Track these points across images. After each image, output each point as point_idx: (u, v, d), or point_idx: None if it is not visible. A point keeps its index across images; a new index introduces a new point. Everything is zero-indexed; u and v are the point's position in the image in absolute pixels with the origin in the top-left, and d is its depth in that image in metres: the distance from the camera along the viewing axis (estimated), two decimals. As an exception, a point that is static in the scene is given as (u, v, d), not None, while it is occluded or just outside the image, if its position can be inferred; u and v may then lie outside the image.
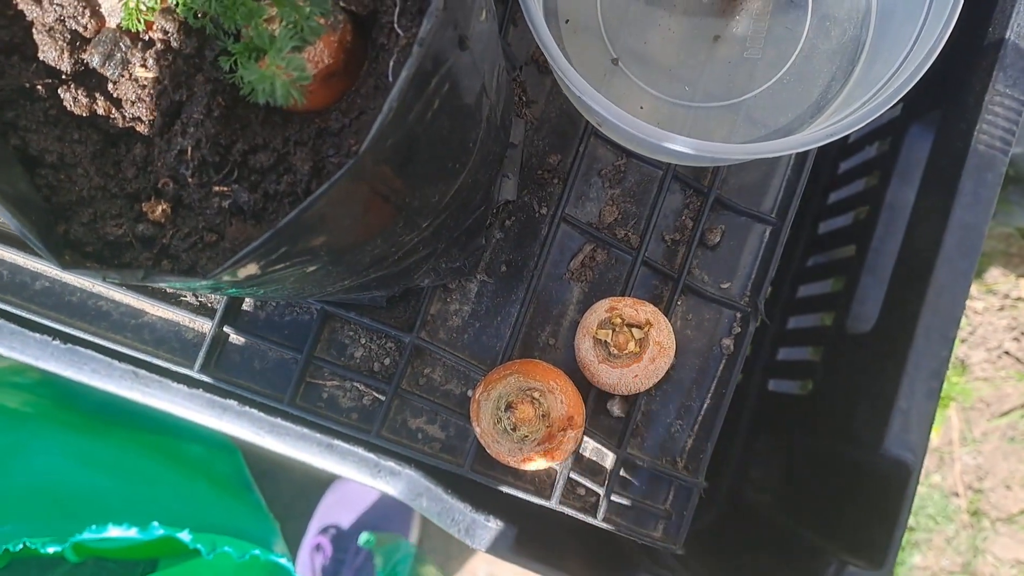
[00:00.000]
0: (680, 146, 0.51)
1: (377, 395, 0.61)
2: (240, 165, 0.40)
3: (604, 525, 0.60)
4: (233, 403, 0.58)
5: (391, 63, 0.40)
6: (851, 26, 0.61)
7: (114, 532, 0.62)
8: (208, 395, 0.58)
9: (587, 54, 0.60)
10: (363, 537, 1.23)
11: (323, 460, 0.59)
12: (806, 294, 0.94)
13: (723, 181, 0.62)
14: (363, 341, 0.61)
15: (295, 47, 0.36)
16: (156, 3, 0.39)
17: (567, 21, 0.61)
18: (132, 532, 0.62)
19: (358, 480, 0.61)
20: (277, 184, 0.40)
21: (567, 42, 0.61)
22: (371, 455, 0.59)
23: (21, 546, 0.58)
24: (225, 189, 0.38)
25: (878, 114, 0.51)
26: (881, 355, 0.69)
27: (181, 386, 0.58)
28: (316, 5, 0.36)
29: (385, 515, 1.33)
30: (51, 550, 0.60)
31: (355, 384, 0.61)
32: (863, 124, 0.51)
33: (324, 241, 0.39)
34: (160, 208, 0.38)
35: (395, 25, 0.41)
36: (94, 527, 0.62)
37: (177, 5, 0.38)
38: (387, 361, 0.61)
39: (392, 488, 0.61)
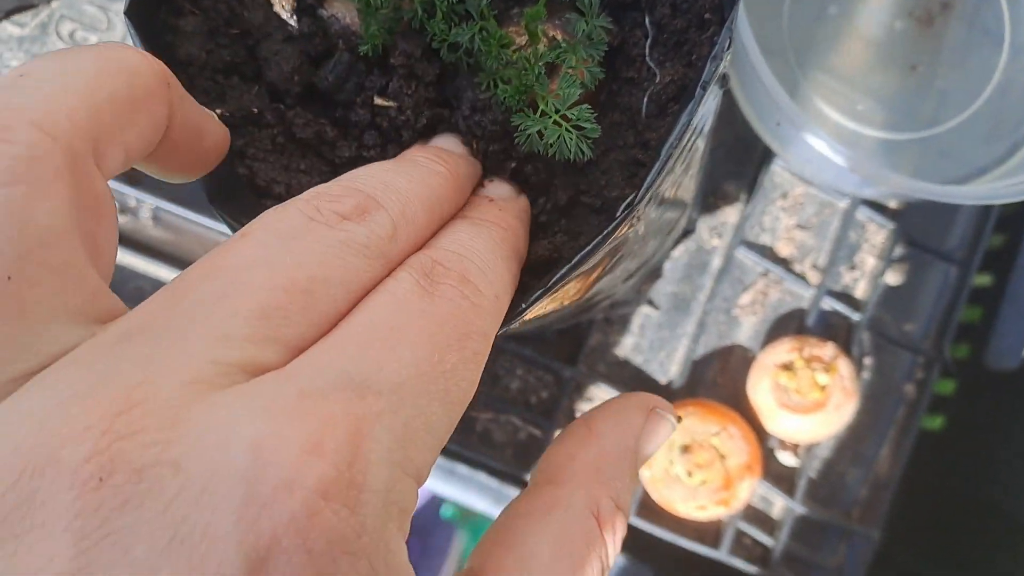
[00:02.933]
0: (887, 185, 0.47)
1: (533, 430, 0.58)
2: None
3: (771, 577, 0.57)
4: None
5: (644, 99, 0.37)
6: (1052, 56, 0.57)
7: None
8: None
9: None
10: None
11: (442, 486, 0.56)
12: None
13: (907, 215, 0.59)
14: (519, 372, 0.58)
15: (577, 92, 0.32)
16: (397, 25, 0.36)
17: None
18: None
19: (479, 510, 0.58)
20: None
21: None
22: (493, 481, 0.56)
23: None
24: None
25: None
26: (1032, 396, 0.65)
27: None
28: (593, 49, 0.33)
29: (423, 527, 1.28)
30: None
31: (510, 418, 0.58)
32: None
33: (576, 287, 0.36)
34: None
35: (647, 58, 0.37)
36: None
37: (432, 39, 0.35)
38: (544, 394, 0.58)
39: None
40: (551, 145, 0.32)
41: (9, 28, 0.57)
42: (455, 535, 1.12)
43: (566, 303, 0.38)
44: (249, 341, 0.18)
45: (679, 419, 0.29)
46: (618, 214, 0.32)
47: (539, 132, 0.32)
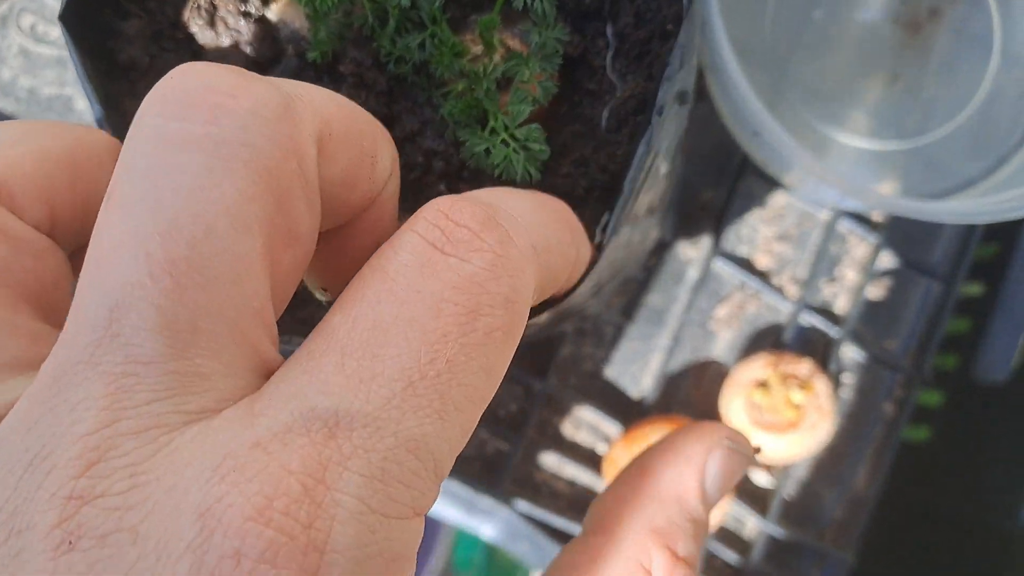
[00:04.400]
0: (875, 204, 0.46)
1: (501, 444, 0.56)
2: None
3: (742, 597, 0.55)
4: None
5: (604, 113, 0.35)
6: (1043, 67, 0.56)
7: None
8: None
9: (751, 83, 0.55)
10: None
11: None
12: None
13: (890, 228, 0.57)
14: (488, 383, 0.56)
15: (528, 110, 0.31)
16: (348, 31, 0.34)
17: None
18: None
19: (449, 518, 0.56)
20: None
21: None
22: (464, 490, 0.55)
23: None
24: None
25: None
26: (1018, 412, 0.64)
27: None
28: (547, 62, 0.31)
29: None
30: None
31: (477, 431, 0.56)
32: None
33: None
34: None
35: (608, 71, 0.36)
36: None
37: (377, 46, 0.33)
38: (513, 407, 0.56)
39: (488, 528, 0.57)
40: (497, 166, 0.30)
41: (-31, 21, 0.55)
42: (440, 528, 1.12)
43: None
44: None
45: (758, 450, 0.26)
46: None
47: (486, 150, 0.31)
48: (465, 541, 0.98)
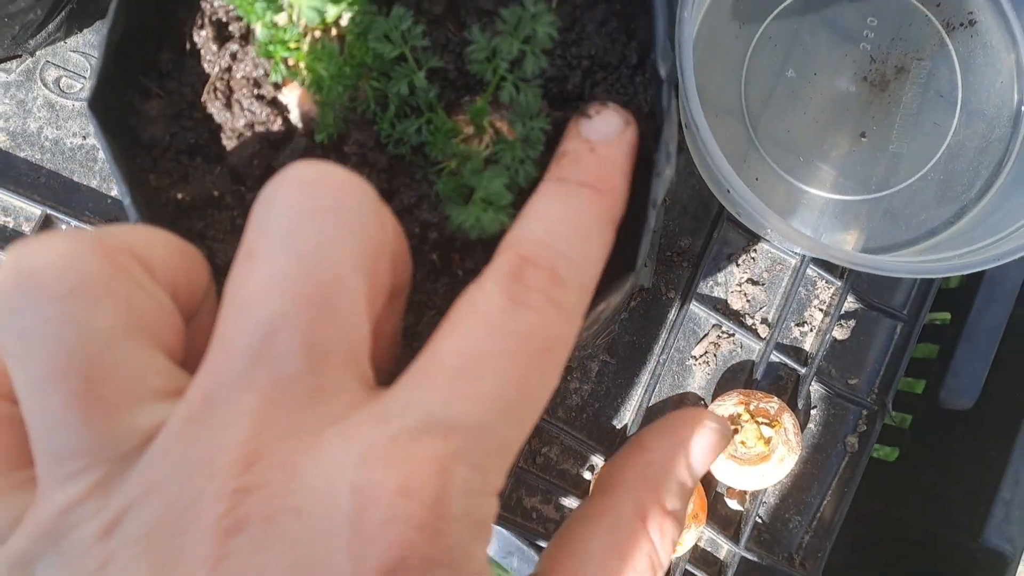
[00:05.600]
0: (837, 258, 0.49)
1: (492, 471, 0.60)
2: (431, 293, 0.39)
3: (715, 618, 0.59)
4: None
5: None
6: (1000, 124, 0.59)
7: None
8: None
9: (725, 137, 0.59)
10: None
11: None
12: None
13: (856, 273, 0.61)
14: (480, 414, 0.60)
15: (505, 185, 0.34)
16: (352, 115, 0.38)
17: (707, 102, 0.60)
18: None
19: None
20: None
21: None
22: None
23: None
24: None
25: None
26: (982, 437, 0.67)
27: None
28: (531, 148, 0.35)
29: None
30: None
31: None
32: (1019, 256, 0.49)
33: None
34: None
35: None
36: None
37: (379, 129, 0.37)
38: (503, 437, 0.60)
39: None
40: (474, 228, 0.33)
41: (-4, 72, 0.59)
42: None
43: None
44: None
45: (735, 432, 0.31)
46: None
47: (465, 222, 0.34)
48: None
